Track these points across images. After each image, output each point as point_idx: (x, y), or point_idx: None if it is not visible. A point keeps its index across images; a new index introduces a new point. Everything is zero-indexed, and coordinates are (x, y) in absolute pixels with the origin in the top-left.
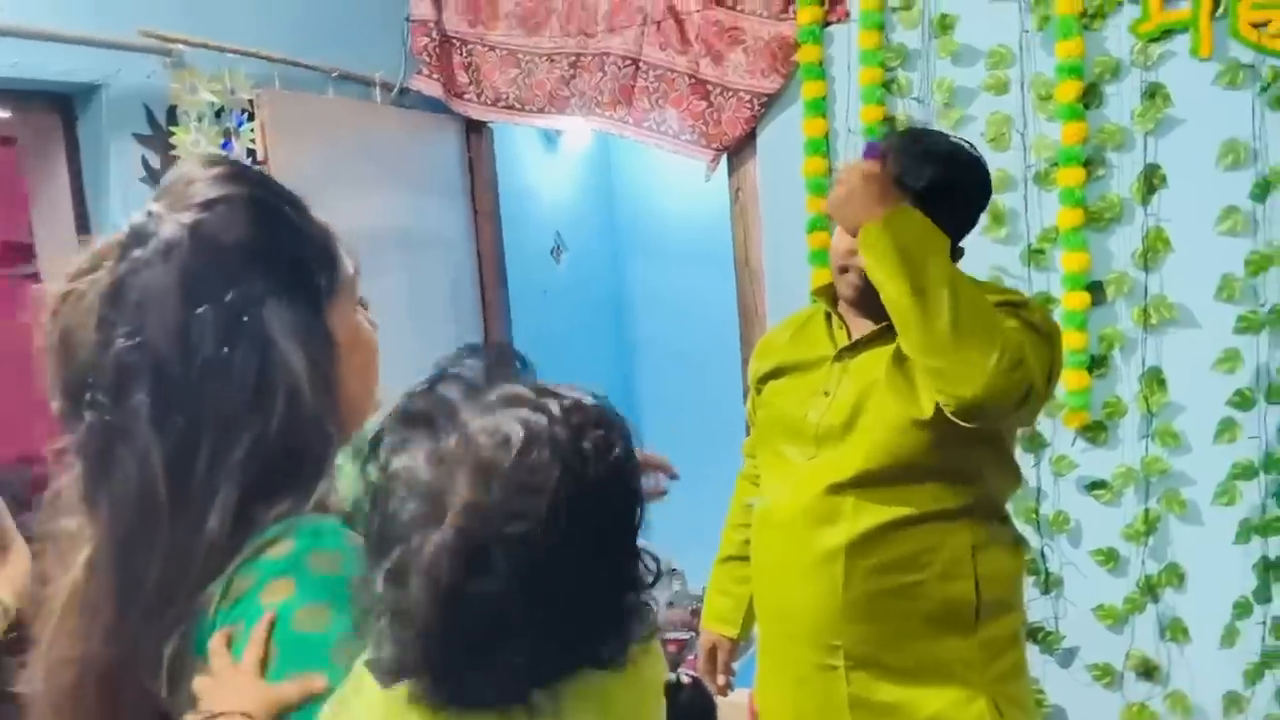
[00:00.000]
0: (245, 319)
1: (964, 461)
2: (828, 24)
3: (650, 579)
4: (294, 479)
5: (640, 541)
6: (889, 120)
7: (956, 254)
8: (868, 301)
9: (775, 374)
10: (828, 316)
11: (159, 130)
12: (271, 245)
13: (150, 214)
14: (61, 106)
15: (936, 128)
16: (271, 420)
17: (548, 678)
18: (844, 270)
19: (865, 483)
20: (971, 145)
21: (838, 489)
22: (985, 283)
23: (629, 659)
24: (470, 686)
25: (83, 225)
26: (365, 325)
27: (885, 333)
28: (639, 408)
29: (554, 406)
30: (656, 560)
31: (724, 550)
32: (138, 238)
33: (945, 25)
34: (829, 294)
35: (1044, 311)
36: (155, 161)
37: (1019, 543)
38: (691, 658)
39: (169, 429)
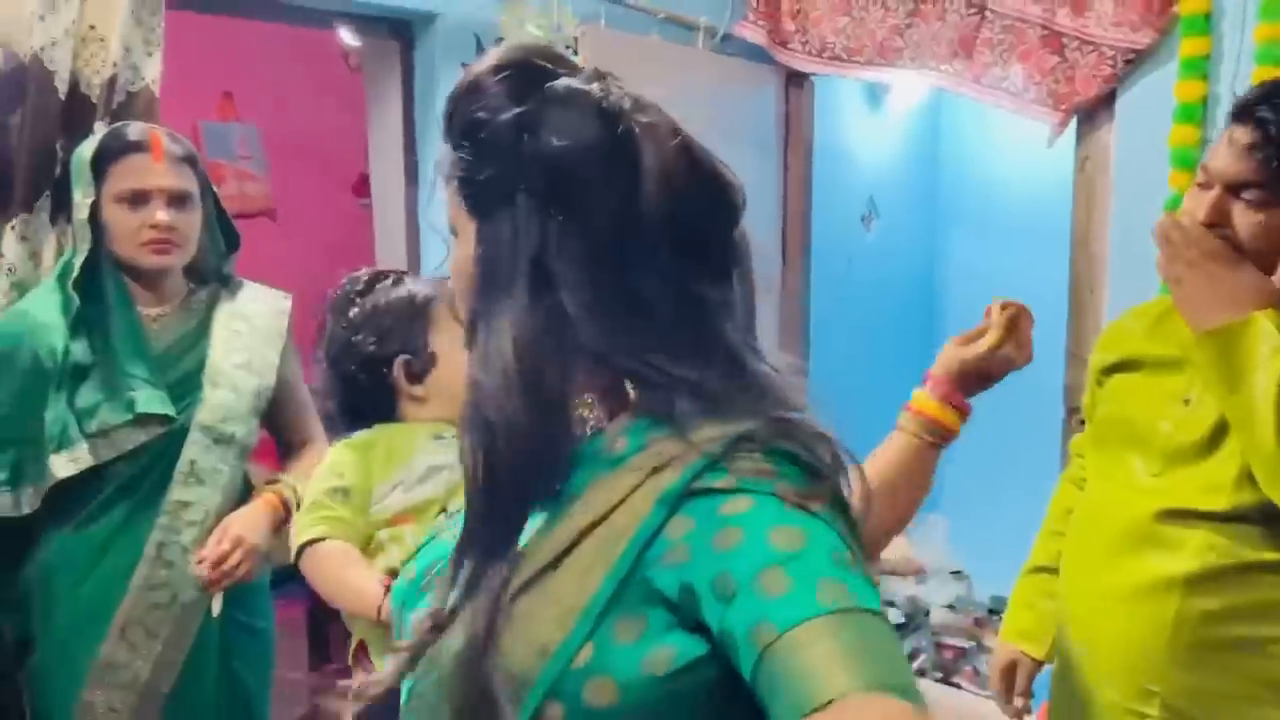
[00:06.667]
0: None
1: None
2: None
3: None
4: None
5: None
6: None
7: None
8: None
9: (1124, 366)
10: None
11: None
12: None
13: None
14: (400, 33)
15: None
16: None
17: None
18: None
19: (1222, 515)
20: None
21: (1184, 516)
22: None
23: None
24: None
25: (410, 153)
26: None
27: None
28: None
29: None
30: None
31: (1035, 558)
32: None
33: None
34: None
35: None
36: None
37: None
38: (969, 669)
39: None
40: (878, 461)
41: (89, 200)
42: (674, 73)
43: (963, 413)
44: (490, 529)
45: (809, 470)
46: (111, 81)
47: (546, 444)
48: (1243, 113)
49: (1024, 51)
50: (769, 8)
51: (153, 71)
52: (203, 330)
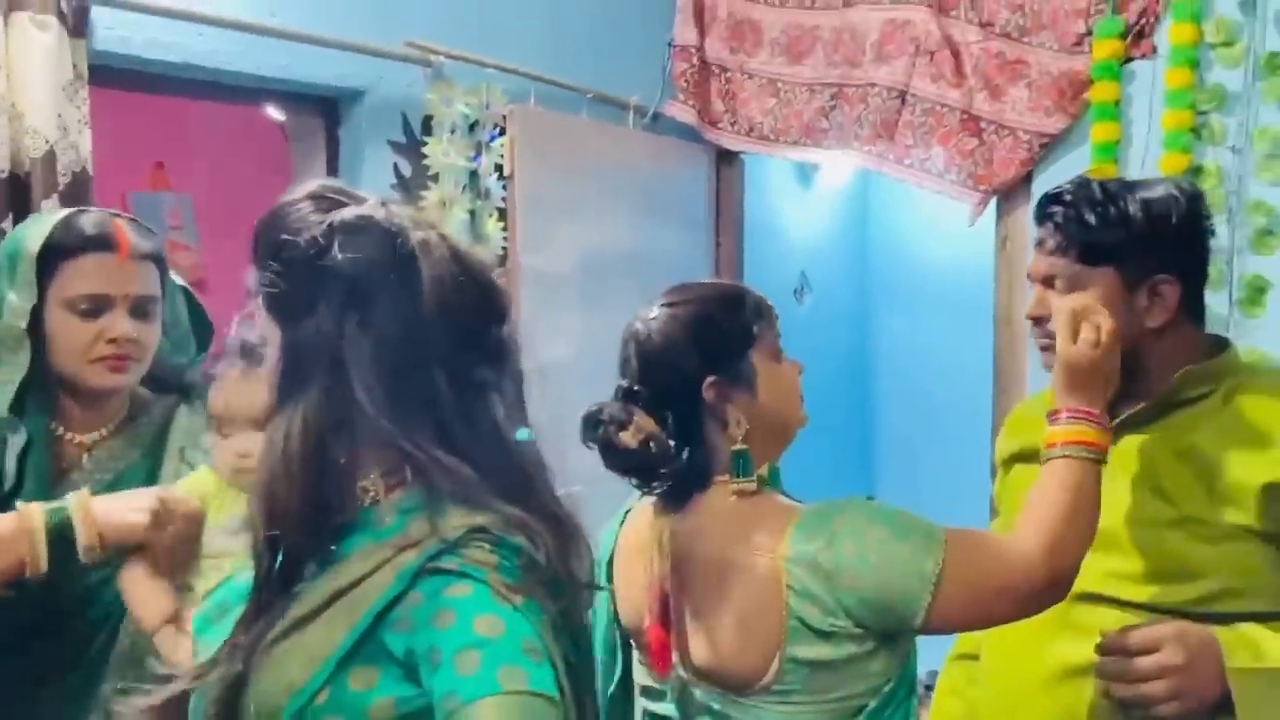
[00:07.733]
0: None
1: (1247, 572)
2: (1129, 60)
3: None
4: None
5: None
6: (1196, 170)
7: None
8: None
9: (1024, 456)
10: None
11: (413, 139)
12: None
13: None
14: (327, 110)
15: (1253, 181)
16: None
17: None
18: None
19: (1125, 599)
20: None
21: (1096, 600)
22: None
23: None
24: None
25: None
26: None
27: (1157, 413)
28: (876, 463)
29: None
30: None
31: (960, 645)
32: None
33: (1276, 66)
34: None
35: None
36: (406, 170)
37: None
38: None
39: None
40: (1045, 490)
41: (29, 306)
42: (605, 151)
43: (1079, 416)
44: (265, 582)
45: (527, 563)
46: (50, 159)
47: (319, 514)
48: (1037, 212)
49: (944, 134)
50: (699, 88)
51: (84, 150)
52: (154, 459)
